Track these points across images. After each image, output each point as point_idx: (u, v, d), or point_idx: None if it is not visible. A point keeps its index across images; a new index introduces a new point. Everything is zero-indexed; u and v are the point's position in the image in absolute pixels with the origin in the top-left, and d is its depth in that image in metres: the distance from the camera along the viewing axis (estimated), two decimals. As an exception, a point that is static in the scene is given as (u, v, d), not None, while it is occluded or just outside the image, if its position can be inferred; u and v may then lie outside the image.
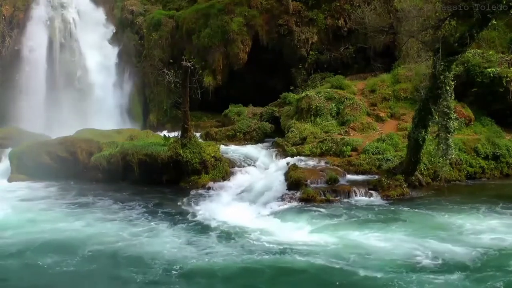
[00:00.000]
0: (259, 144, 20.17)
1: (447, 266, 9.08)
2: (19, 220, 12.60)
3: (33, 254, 10.14)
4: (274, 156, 17.77)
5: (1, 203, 14.12)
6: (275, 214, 12.89)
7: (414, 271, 8.91)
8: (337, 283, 8.60)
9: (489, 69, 18.57)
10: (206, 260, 9.72)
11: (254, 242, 10.63)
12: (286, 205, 13.59)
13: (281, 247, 10.24)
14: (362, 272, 8.89)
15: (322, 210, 12.98)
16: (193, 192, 15.42)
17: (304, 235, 11.01)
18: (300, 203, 13.72)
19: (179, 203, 14.17)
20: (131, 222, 12.40)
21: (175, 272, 9.13)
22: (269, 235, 11.06)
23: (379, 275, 8.76)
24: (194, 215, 12.93)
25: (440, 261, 9.31)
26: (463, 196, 14.14)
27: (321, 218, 12.24)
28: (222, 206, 13.56)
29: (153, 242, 10.75)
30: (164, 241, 10.84)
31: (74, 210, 13.70)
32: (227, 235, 11.18)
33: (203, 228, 11.77)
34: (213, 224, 12.08)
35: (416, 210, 12.75)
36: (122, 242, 10.77)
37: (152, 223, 12.23)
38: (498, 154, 16.67)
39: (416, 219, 12.03)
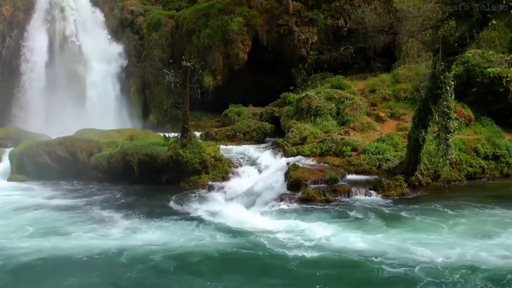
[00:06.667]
0: (259, 144, 20.18)
1: (449, 269, 9.09)
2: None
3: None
4: (274, 156, 17.76)
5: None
6: (275, 214, 12.88)
7: (419, 271, 8.92)
8: (340, 282, 8.64)
9: (489, 69, 18.61)
10: (207, 259, 9.73)
11: (254, 242, 10.62)
12: (286, 205, 13.56)
13: (281, 246, 10.25)
14: (362, 271, 8.91)
15: (322, 210, 12.97)
16: (193, 192, 15.39)
17: (303, 234, 11.00)
18: (300, 203, 13.71)
19: (179, 203, 14.16)
20: (131, 222, 12.41)
21: (174, 272, 9.16)
22: (268, 234, 11.05)
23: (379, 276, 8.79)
24: (194, 215, 12.92)
25: (440, 262, 9.31)
26: (464, 196, 14.10)
27: (320, 218, 12.22)
28: (222, 206, 13.55)
29: (152, 242, 10.78)
30: (165, 241, 10.87)
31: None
32: (227, 235, 11.16)
33: (203, 228, 11.74)
34: (213, 224, 12.07)
35: (416, 210, 12.73)
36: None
37: (149, 224, 12.22)
38: (498, 154, 16.69)
39: (416, 219, 12.02)
